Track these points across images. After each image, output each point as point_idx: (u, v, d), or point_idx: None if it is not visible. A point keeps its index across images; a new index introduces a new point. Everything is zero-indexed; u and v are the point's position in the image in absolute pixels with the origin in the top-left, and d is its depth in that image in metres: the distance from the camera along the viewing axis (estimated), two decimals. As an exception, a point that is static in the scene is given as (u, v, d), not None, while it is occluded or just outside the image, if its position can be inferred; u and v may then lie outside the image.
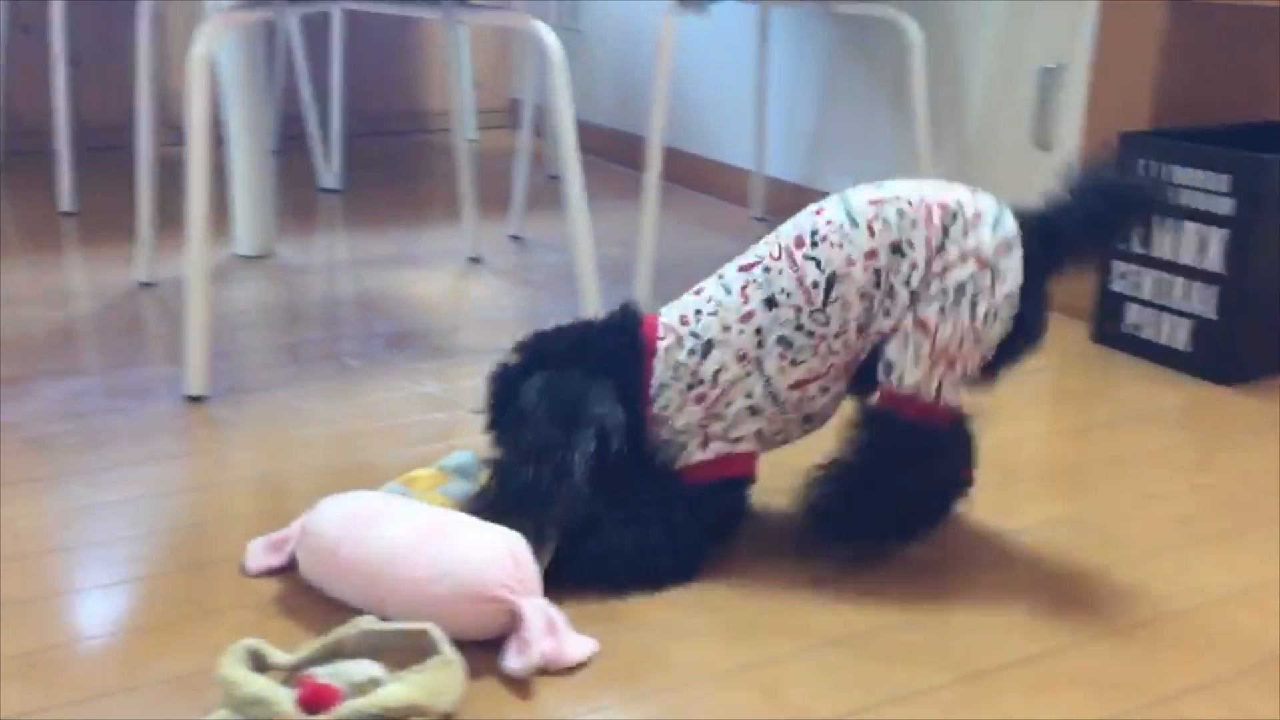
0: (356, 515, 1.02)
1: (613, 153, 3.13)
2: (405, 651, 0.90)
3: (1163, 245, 1.65)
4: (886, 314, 1.08)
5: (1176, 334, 1.65)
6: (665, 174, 2.71)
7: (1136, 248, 1.66)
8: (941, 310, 1.05)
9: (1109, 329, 1.74)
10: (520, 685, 0.94)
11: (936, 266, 1.06)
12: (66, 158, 2.45)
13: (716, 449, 1.11)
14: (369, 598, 0.98)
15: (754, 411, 1.11)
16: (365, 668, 0.87)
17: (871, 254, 1.07)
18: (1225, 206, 1.57)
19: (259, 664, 0.88)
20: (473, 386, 1.58)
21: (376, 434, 1.42)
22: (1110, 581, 1.11)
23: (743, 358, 1.10)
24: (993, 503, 1.25)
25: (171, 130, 3.03)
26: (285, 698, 0.82)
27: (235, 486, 1.28)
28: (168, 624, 1.02)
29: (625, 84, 3.05)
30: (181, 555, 1.12)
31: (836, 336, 1.09)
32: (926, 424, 1.08)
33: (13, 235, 2.26)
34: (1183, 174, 1.61)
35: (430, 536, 0.98)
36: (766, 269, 1.11)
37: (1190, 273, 1.62)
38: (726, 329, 1.10)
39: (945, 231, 1.06)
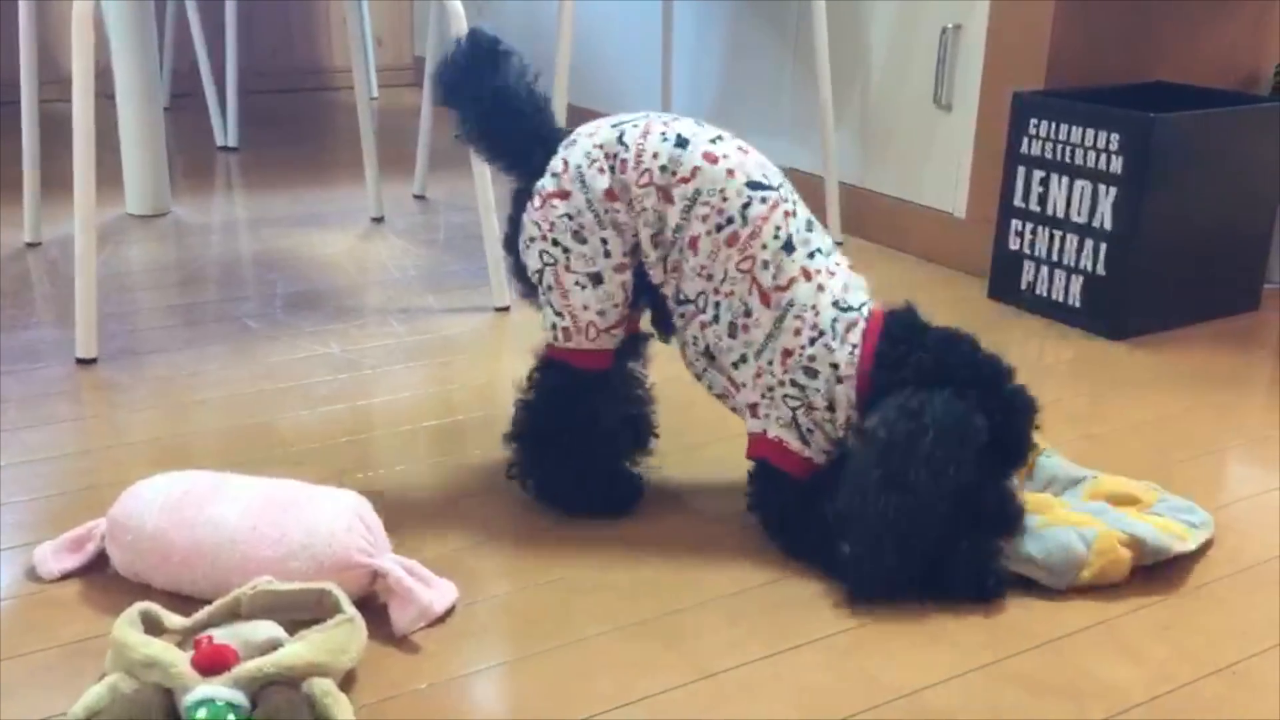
0: (181, 500, 0.98)
1: (518, 112, 3.09)
2: (305, 611, 0.89)
3: (1057, 203, 1.68)
4: None
5: (1069, 290, 1.69)
6: (571, 133, 2.68)
7: (1034, 205, 1.70)
8: None
9: (1005, 286, 1.77)
10: (415, 643, 0.94)
11: None
12: (-53, 114, 2.36)
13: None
14: (212, 584, 0.95)
15: None
16: (264, 628, 0.86)
17: None
18: (1115, 165, 1.61)
19: (154, 627, 0.86)
20: (375, 347, 1.56)
21: (278, 395, 1.40)
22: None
23: None
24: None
25: (60, 85, 2.92)
26: (180, 659, 0.81)
27: (129, 449, 1.25)
28: (62, 589, 1.00)
29: (531, 42, 3.01)
30: (74, 520, 1.09)
31: None
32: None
33: (-110, 194, 2.18)
34: (1075, 133, 1.65)
35: (268, 513, 0.96)
36: None
37: (1082, 230, 1.66)
38: None
39: None
